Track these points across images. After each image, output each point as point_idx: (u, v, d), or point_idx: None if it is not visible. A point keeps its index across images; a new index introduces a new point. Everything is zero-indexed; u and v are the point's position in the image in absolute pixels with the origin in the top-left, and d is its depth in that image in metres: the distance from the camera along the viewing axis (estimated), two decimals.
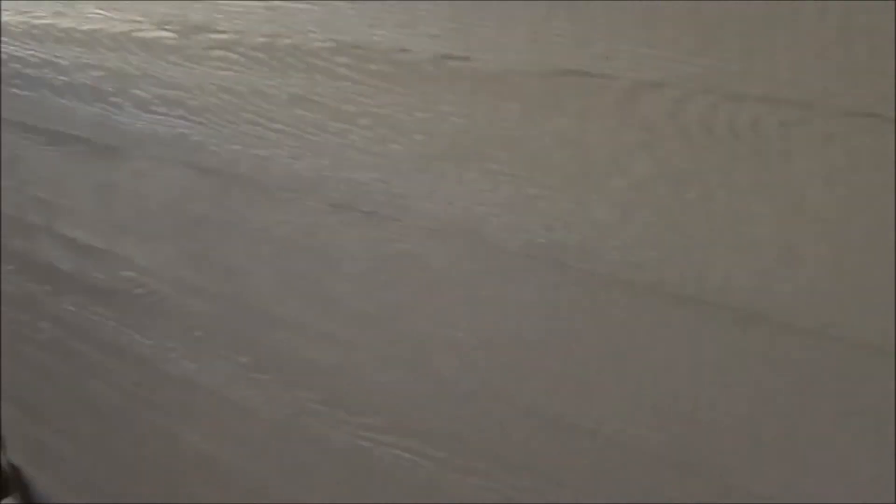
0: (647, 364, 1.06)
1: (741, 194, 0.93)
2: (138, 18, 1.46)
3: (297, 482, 1.63)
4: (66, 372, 2.06)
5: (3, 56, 1.74)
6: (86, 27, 1.56)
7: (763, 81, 0.89)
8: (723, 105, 0.92)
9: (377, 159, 1.22)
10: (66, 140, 1.69)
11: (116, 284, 1.74)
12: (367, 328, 1.34)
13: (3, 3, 1.72)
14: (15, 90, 1.75)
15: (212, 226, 1.49)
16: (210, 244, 1.51)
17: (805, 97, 0.87)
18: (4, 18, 1.73)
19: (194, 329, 1.62)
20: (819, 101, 0.86)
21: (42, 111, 1.70)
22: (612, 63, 0.98)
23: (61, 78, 1.63)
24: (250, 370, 1.55)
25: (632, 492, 1.12)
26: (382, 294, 1.30)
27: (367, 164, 1.23)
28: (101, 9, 1.53)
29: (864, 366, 0.92)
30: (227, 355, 1.58)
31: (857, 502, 1.01)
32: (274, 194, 1.37)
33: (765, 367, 0.98)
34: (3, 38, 1.75)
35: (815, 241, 0.91)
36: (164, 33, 1.42)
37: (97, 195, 1.68)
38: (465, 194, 1.15)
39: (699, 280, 0.99)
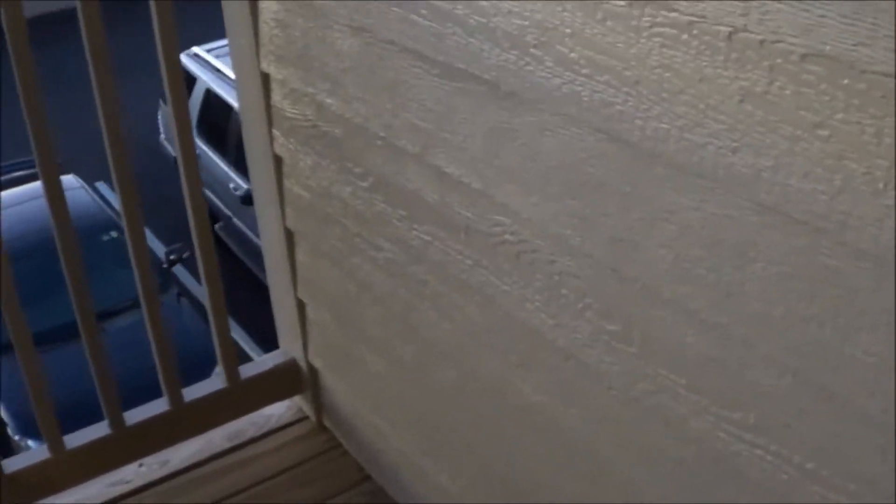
0: None
1: None
2: None
3: (633, 455, 1.66)
4: (398, 296, 2.13)
5: None
6: None
7: None
8: None
9: (828, 173, 1.22)
10: (464, 78, 1.73)
11: (485, 227, 1.79)
12: (765, 329, 1.35)
13: None
14: (418, 18, 1.80)
15: (610, 194, 1.52)
16: (603, 211, 1.54)
17: None
18: None
19: (561, 287, 1.66)
20: None
21: (444, 45, 1.75)
22: None
23: (477, 18, 1.66)
24: (615, 338, 1.58)
25: None
26: (794, 301, 1.30)
27: (815, 175, 1.23)
28: None
29: None
30: (592, 319, 1.62)
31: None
32: (694, 180, 1.38)
33: None
34: None
35: None
36: None
37: (487, 138, 1.73)
38: None
39: None
